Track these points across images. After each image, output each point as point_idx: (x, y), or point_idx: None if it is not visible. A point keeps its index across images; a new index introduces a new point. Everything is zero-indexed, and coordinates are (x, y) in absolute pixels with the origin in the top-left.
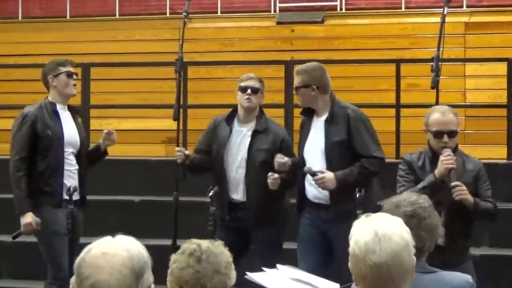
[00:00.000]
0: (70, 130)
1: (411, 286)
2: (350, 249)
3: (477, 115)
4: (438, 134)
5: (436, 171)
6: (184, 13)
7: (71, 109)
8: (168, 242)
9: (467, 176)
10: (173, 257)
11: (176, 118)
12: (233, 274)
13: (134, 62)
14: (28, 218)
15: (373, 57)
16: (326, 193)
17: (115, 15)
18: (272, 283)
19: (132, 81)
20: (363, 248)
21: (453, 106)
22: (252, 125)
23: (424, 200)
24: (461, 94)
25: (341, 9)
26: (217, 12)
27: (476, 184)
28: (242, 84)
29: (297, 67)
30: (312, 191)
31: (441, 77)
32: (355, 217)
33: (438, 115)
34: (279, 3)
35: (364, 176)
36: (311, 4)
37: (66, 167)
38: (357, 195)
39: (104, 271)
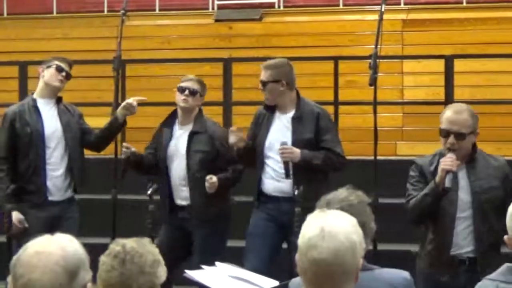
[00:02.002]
0: (52, 125)
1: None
2: (298, 242)
3: (415, 112)
4: (444, 133)
5: (437, 176)
6: (122, 11)
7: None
8: (108, 240)
9: (490, 181)
10: (101, 258)
11: None
12: (161, 272)
13: (72, 60)
14: (13, 217)
15: (311, 55)
16: (287, 186)
17: (52, 13)
18: (210, 281)
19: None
20: (307, 243)
21: (391, 103)
22: (190, 127)
23: (355, 197)
24: (399, 91)
25: (279, 7)
26: (155, 10)
27: (505, 188)
28: (181, 84)
29: (265, 62)
30: (273, 183)
31: (379, 74)
32: (298, 214)
33: (450, 113)
34: (217, 0)
35: (327, 165)
36: (249, 2)
37: (48, 165)
38: (295, 192)
39: (37, 270)
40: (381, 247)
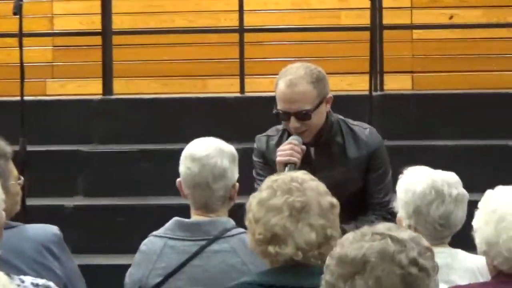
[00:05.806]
0: None
1: None
2: None
3: (67, 44)
4: (281, 116)
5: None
6: None
7: None
8: None
9: (350, 167)
10: None
11: None
12: None
13: None
14: None
15: None
16: None
17: None
18: None
19: None
20: None
21: (39, 35)
22: None
23: None
24: (48, 21)
25: None
26: None
27: (365, 176)
28: None
29: None
30: None
31: (25, 1)
32: None
33: (282, 86)
34: None
35: None
36: None
37: None
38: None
39: None
40: (31, 202)
